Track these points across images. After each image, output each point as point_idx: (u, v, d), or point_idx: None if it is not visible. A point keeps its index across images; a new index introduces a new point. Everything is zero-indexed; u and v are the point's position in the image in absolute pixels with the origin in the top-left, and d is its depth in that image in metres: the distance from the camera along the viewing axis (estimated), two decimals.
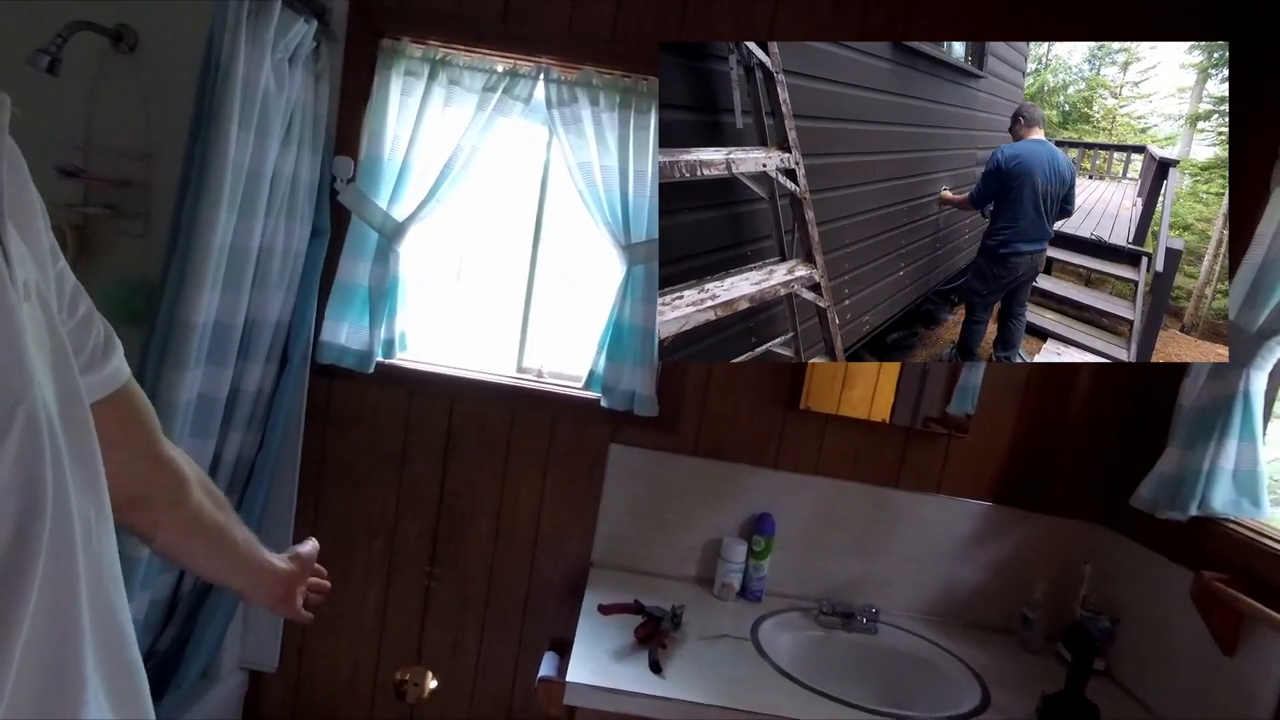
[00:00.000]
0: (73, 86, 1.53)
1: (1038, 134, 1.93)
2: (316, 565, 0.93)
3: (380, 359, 1.65)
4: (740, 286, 1.16)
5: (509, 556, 1.74)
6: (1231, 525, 1.35)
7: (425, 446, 1.71)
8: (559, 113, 1.58)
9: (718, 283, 1.16)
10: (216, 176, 1.29)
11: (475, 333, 1.82)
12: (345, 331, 1.63)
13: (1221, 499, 1.32)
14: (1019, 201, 1.87)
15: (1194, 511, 1.33)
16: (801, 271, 1.23)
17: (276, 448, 1.56)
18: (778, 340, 1.50)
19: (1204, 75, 3.60)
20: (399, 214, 1.59)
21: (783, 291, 1.21)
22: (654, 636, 1.38)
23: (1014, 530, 1.69)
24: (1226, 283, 1.28)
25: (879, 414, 1.66)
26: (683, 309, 1.08)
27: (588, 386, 1.68)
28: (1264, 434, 1.35)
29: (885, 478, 1.70)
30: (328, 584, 0.96)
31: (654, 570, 1.71)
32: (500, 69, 1.59)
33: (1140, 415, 1.63)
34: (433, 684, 1.75)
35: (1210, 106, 3.47)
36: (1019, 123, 1.95)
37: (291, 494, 1.65)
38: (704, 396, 1.69)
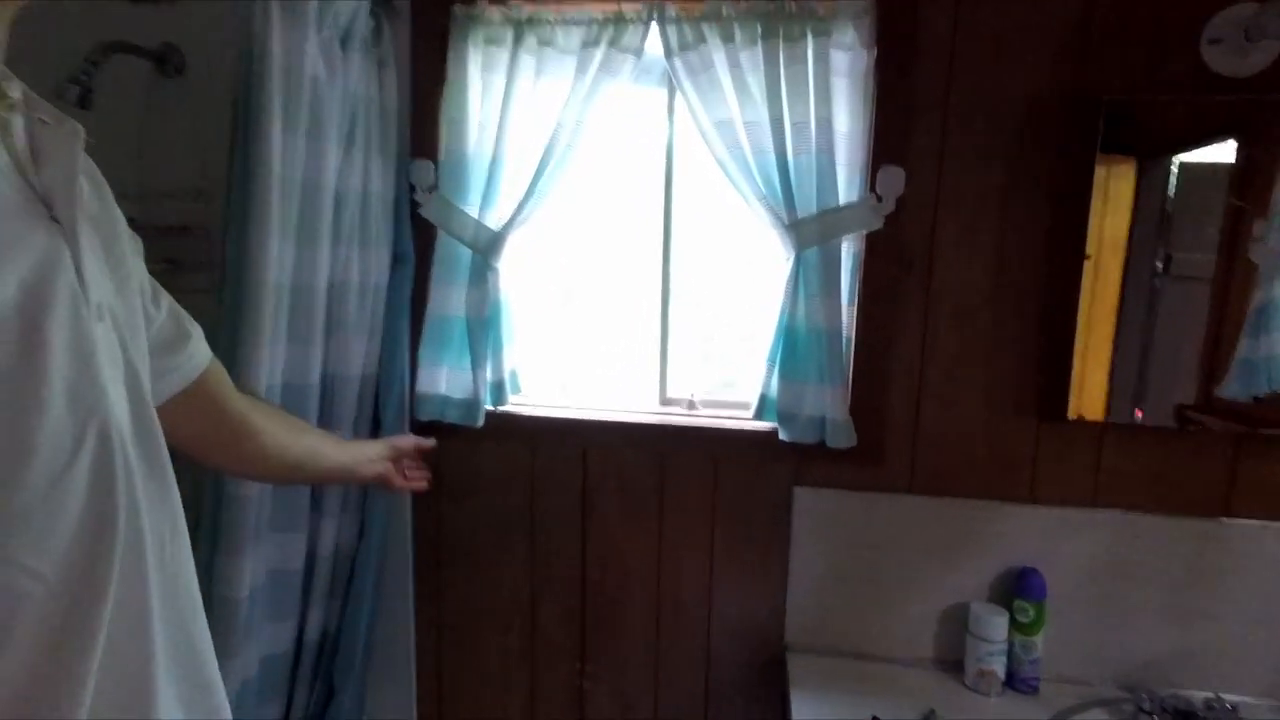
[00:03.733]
0: (116, 121, 1.30)
1: None
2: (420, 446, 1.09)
3: (489, 407, 1.31)
4: None
5: (677, 642, 1.35)
6: None
7: (557, 509, 1.35)
8: (682, 61, 1.19)
9: None
10: (261, 194, 0.99)
11: (603, 363, 1.45)
12: (444, 378, 1.30)
13: None
14: None
15: None
16: None
17: (380, 533, 1.25)
18: None
19: None
20: (494, 221, 1.25)
21: None
22: None
23: None
24: None
25: (1091, 411, 1.16)
26: None
27: (759, 416, 1.26)
28: None
29: (1207, 505, 1.17)
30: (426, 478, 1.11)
31: (873, 653, 1.27)
32: (601, 17, 1.22)
33: None
34: None
35: None
36: None
37: (406, 586, 1.34)
38: (916, 413, 1.24)
